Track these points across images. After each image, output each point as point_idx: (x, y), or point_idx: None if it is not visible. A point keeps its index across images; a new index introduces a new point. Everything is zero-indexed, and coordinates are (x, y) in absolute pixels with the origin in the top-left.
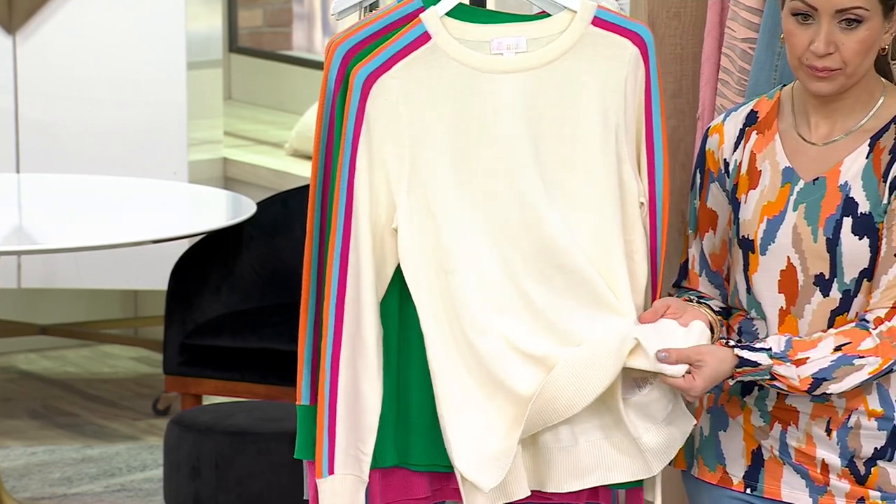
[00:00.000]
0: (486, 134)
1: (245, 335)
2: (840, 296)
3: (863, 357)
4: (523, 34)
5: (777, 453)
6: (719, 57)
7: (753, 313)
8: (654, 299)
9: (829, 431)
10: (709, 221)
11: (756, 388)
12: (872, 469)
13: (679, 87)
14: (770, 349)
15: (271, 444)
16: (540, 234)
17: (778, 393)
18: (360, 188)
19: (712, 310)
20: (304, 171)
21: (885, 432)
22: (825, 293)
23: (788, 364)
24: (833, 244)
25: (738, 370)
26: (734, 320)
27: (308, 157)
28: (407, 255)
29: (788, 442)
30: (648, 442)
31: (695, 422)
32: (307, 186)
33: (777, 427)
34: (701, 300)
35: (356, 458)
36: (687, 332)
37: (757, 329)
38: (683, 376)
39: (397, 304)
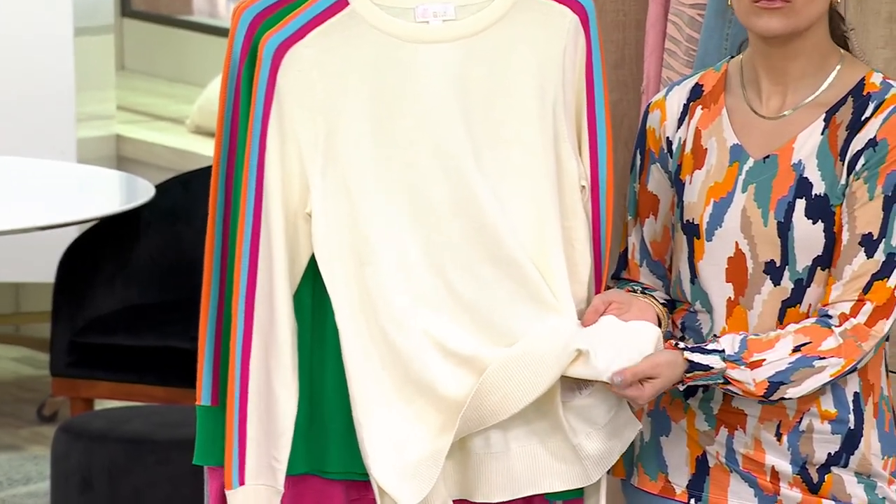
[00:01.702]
0: (409, 110)
1: (142, 332)
2: (792, 285)
3: (824, 358)
4: (451, 0)
5: (723, 460)
6: (665, 24)
7: (698, 305)
8: (598, 292)
9: (779, 436)
10: (649, 206)
11: (700, 389)
12: (826, 476)
13: (621, 56)
14: (723, 351)
15: (171, 452)
16: (472, 218)
17: (724, 394)
18: (270, 169)
19: (658, 302)
20: (207, 149)
21: (839, 436)
22: (776, 282)
23: (743, 367)
24: (785, 228)
25: (688, 375)
26: (677, 315)
27: (211, 135)
28: (321, 242)
29: (735, 448)
30: (588, 448)
31: (640, 426)
32: (210, 167)
33: (723, 432)
34: (645, 291)
35: (269, 467)
36: (634, 333)
37: (700, 324)
38: (631, 384)
39: (310, 298)
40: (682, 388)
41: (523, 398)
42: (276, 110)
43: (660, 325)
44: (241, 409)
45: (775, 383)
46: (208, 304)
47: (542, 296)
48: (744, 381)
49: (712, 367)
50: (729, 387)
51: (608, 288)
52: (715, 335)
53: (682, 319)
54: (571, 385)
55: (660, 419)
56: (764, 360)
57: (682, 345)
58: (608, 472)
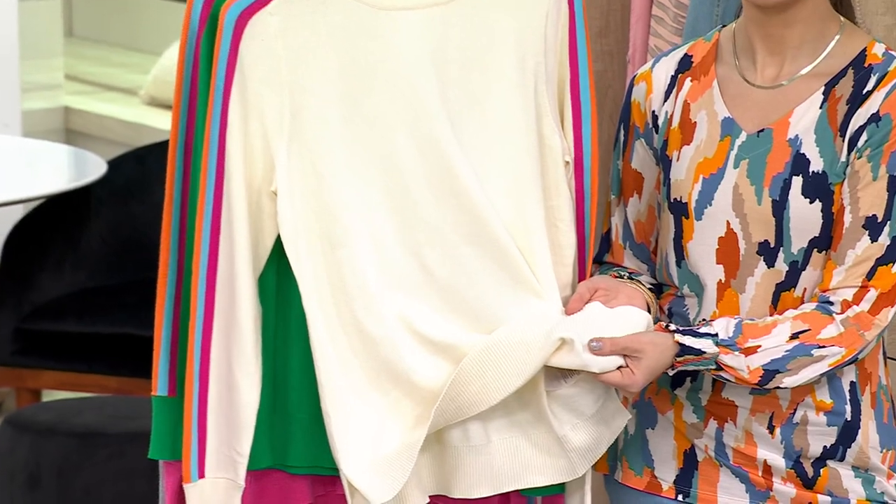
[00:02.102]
0: (382, 82)
1: (93, 319)
2: (787, 268)
3: (824, 347)
4: None
5: (713, 454)
6: None
7: (686, 289)
8: (582, 276)
9: (771, 428)
10: (633, 185)
11: (688, 379)
12: (822, 470)
13: (606, 24)
14: (716, 335)
15: (125, 446)
16: (450, 196)
17: (713, 384)
18: (232, 144)
19: (645, 287)
20: (162, 122)
21: (836, 428)
22: (770, 264)
23: (737, 353)
24: (780, 207)
25: (678, 359)
26: (663, 300)
27: (167, 107)
28: (288, 223)
29: (725, 441)
30: (575, 440)
31: (629, 416)
32: (167, 142)
33: (712, 424)
34: (632, 277)
35: (230, 460)
36: (622, 320)
37: (688, 309)
38: (620, 369)
39: (275, 281)
40: (671, 372)
41: (504, 388)
42: (238, 82)
43: (649, 313)
44: (201, 400)
45: (770, 371)
46: (165, 288)
47: (525, 279)
48: (737, 367)
49: (705, 352)
50: (721, 373)
51: (592, 272)
52: (705, 319)
53: (668, 304)
54: (556, 374)
55: (645, 411)
56: (760, 346)
57: (672, 326)
58: (591, 467)
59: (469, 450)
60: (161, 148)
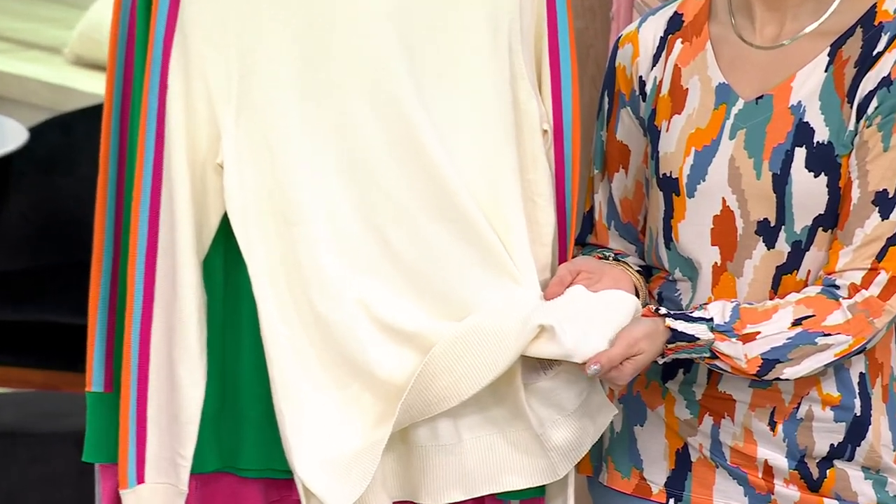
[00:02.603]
0: (340, 42)
1: (15, 305)
2: (789, 249)
3: (829, 335)
4: None
5: (708, 453)
6: None
7: (678, 273)
8: (563, 257)
9: (773, 425)
10: (618, 158)
11: (681, 370)
12: (828, 471)
13: None
14: (711, 320)
15: (51, 447)
16: (416, 169)
17: (709, 377)
18: (173, 112)
19: (633, 269)
20: (92, 85)
21: (844, 424)
22: (770, 244)
23: (734, 340)
24: (781, 182)
25: (669, 346)
26: (653, 283)
27: (96, 67)
28: (235, 199)
29: (722, 439)
30: (555, 438)
31: (615, 411)
32: (98, 107)
33: (707, 420)
34: (618, 258)
35: (172, 463)
36: (608, 305)
37: (680, 294)
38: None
39: (222, 265)
40: (661, 360)
41: (477, 381)
42: (179, 42)
43: (637, 297)
44: (140, 396)
45: (770, 361)
46: (100, 271)
47: (500, 260)
48: (734, 355)
49: (698, 338)
50: (716, 362)
51: (575, 254)
52: (700, 305)
53: (658, 289)
54: (534, 365)
55: (633, 406)
56: (759, 332)
57: (663, 311)
58: (574, 468)
59: (438, 450)
60: (89, 114)
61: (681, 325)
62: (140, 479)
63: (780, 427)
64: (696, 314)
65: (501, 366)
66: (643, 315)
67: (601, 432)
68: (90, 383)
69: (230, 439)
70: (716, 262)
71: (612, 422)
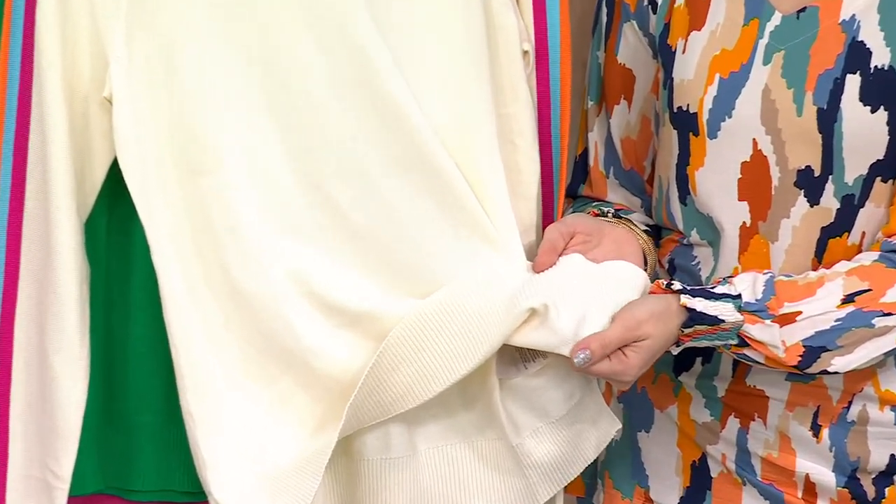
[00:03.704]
0: None
1: None
2: (837, 205)
3: (891, 314)
4: None
5: (733, 466)
6: None
7: (695, 235)
8: (550, 215)
9: (816, 429)
10: (620, 86)
11: (698, 359)
12: (887, 490)
13: None
14: (739, 297)
15: None
16: (366, 101)
17: (734, 368)
18: (45, 30)
19: (639, 229)
20: None
21: None
22: (814, 200)
23: (768, 322)
24: (829, 119)
25: (685, 331)
26: (663, 249)
27: None
28: (128, 142)
29: (751, 448)
30: (536, 452)
31: (619, 425)
32: None
33: (733, 423)
34: (619, 215)
35: (43, 483)
36: (610, 280)
37: (699, 263)
38: (609, 356)
39: (108, 227)
40: (676, 350)
41: (444, 376)
42: None
43: (645, 266)
44: (1, 397)
45: (815, 349)
46: None
47: (474, 220)
48: (769, 342)
49: (723, 321)
50: (745, 351)
51: (565, 210)
52: (724, 278)
53: (670, 255)
54: (513, 357)
55: (637, 406)
56: (800, 312)
57: (677, 285)
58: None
59: (388, 464)
60: None
61: (700, 304)
62: (1, 501)
63: (825, 432)
64: (719, 289)
65: (478, 356)
66: (651, 292)
67: (599, 450)
68: None
69: (117, 453)
70: (744, 222)
71: None
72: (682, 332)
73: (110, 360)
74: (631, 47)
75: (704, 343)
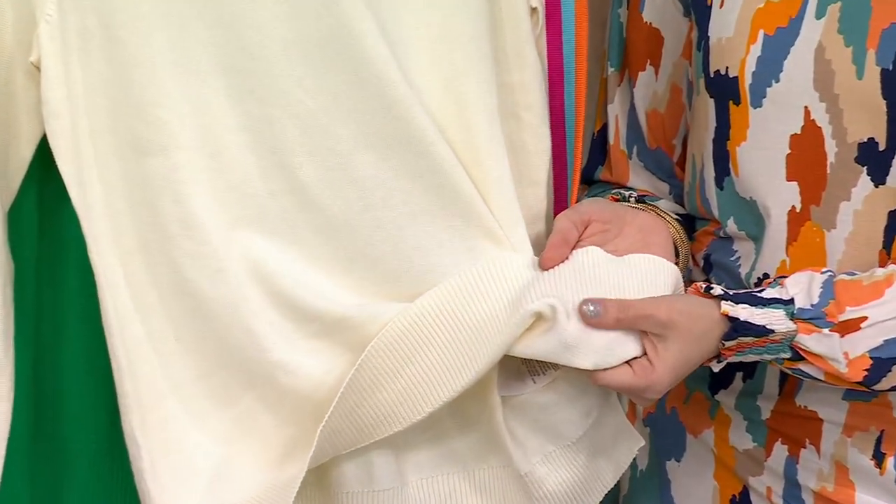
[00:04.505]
0: None
1: None
2: None
3: None
4: None
5: (780, 501)
6: None
7: (733, 225)
8: (562, 202)
9: (880, 458)
10: (645, 49)
11: (738, 374)
12: None
13: None
14: (792, 301)
15: None
16: (344, 71)
17: (781, 384)
18: None
19: (670, 217)
20: None
21: None
22: (879, 179)
23: (827, 332)
24: (894, 82)
25: (728, 343)
26: (698, 243)
27: None
28: (59, 116)
29: (802, 480)
30: (549, 481)
31: (642, 442)
32: None
33: (780, 451)
34: (644, 200)
35: None
36: (636, 277)
37: (739, 258)
38: (630, 362)
39: (37, 214)
40: (717, 367)
41: (434, 395)
42: None
43: (677, 259)
44: None
45: (883, 361)
46: None
47: (471, 208)
48: (828, 355)
49: (772, 331)
50: (800, 366)
51: (580, 197)
52: (768, 275)
53: (706, 250)
54: (519, 369)
55: (667, 430)
56: (865, 318)
57: (717, 290)
58: None
59: (372, 498)
60: None
61: (745, 312)
62: None
63: (890, 461)
64: (768, 293)
65: (475, 370)
66: (688, 293)
67: (619, 474)
68: None
69: (46, 483)
70: (794, 207)
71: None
72: (724, 344)
73: (39, 376)
74: (658, 3)
75: (751, 357)
